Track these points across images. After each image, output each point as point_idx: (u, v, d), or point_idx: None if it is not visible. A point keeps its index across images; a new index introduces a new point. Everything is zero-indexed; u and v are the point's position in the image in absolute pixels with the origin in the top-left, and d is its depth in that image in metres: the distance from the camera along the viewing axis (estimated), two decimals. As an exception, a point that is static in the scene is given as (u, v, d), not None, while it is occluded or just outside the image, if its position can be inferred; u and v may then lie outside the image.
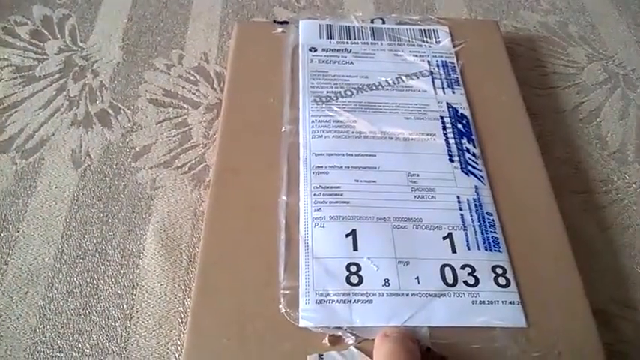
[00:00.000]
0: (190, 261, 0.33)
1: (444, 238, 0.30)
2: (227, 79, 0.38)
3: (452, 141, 0.34)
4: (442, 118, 0.36)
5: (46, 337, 0.30)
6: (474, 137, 0.35)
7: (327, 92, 0.37)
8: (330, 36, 0.40)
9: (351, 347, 0.26)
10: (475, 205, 0.31)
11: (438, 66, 0.39)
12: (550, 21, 0.49)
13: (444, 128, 0.35)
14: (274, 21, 0.42)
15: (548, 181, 0.33)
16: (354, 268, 0.28)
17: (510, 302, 0.28)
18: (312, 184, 0.32)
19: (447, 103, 0.36)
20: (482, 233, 0.30)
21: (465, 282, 0.28)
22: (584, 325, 0.28)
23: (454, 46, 0.40)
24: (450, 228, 0.30)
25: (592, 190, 0.37)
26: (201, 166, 0.37)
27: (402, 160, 0.33)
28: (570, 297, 0.29)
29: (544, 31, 0.48)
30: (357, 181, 0.32)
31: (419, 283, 0.28)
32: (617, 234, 0.35)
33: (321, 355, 0.26)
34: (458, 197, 0.32)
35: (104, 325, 0.30)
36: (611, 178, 0.38)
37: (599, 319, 0.28)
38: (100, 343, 0.30)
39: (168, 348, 0.30)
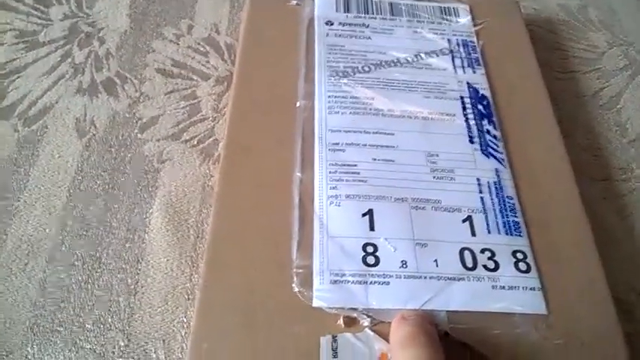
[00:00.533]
0: (198, 237, 0.32)
1: (464, 221, 0.29)
2: (239, 51, 0.37)
3: (472, 122, 0.33)
4: (462, 98, 0.34)
5: (46, 310, 0.29)
6: (494, 119, 0.34)
7: (344, 67, 0.35)
8: (347, 9, 0.39)
9: (367, 330, 0.25)
10: (496, 187, 0.30)
11: (458, 45, 0.37)
12: (570, 4, 0.47)
13: (464, 109, 0.34)
14: (289, -7, 0.40)
15: (569, 166, 0.32)
16: (370, 249, 0.27)
17: (531, 288, 0.27)
18: (328, 161, 0.31)
19: (468, 83, 0.35)
20: (502, 217, 0.29)
21: (485, 266, 0.27)
22: (605, 313, 0.27)
23: (474, 25, 0.39)
24: (470, 211, 0.29)
25: (612, 178, 0.36)
26: (211, 139, 0.36)
27: (421, 139, 0.32)
28: (591, 285, 0.28)
29: (564, 14, 0.46)
30: (375, 159, 0.31)
31: (437, 266, 0.27)
32: (637, 222, 0.34)
33: (334, 337, 0.25)
34: (478, 179, 0.30)
35: (107, 300, 0.29)
36: (630, 165, 0.37)
37: (618, 307, 0.27)
38: (102, 319, 0.29)
39: (174, 325, 0.29)
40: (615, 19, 0.46)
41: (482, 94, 0.35)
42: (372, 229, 0.28)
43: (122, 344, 0.28)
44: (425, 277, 0.27)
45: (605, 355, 0.26)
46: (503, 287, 0.27)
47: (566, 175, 0.32)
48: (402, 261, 0.27)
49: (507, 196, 0.30)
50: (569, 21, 0.46)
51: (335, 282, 0.26)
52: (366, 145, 0.31)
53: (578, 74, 0.42)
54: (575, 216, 0.30)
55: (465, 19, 0.39)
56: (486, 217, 0.29)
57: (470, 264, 0.27)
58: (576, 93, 0.41)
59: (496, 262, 0.27)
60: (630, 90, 0.41)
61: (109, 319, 0.29)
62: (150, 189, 0.33)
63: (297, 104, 0.33)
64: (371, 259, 0.27)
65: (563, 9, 0.47)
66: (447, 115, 0.33)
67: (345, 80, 0.34)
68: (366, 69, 0.35)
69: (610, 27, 0.46)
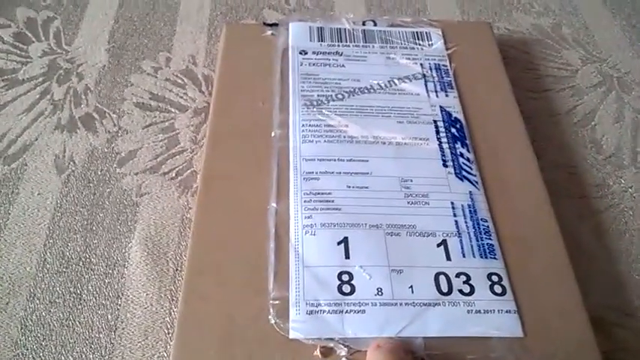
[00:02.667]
0: (177, 270, 0.32)
1: (438, 246, 0.29)
2: (215, 82, 0.37)
3: (445, 145, 0.34)
4: (435, 122, 0.35)
5: (27, 349, 0.29)
6: (467, 142, 0.34)
7: (318, 96, 0.36)
8: (321, 38, 0.40)
9: (343, 359, 0.25)
10: (470, 211, 0.31)
11: (430, 69, 0.38)
12: (543, 23, 0.48)
13: (438, 132, 0.34)
14: (264, 23, 0.41)
15: (543, 185, 0.32)
16: (345, 277, 0.28)
17: (507, 311, 0.27)
18: (303, 191, 0.31)
19: (441, 107, 0.36)
20: (477, 240, 0.29)
21: (460, 291, 0.27)
22: (582, 333, 0.27)
23: (447, 49, 0.40)
24: (445, 235, 0.29)
25: (587, 195, 0.36)
26: (189, 171, 0.36)
27: (395, 165, 0.32)
28: (567, 305, 0.28)
29: (537, 34, 0.47)
30: (349, 187, 0.31)
31: (413, 292, 0.27)
32: (614, 240, 0.34)
33: (312, 368, 0.25)
34: (452, 203, 0.31)
35: (88, 337, 0.29)
36: (606, 182, 0.37)
37: (595, 326, 0.27)
38: (84, 356, 0.29)
39: (154, 360, 0.29)
40: (589, 36, 0.47)
41: (456, 118, 0.35)
42: (347, 257, 0.28)
43: (103, 381, 0.28)
44: (400, 304, 0.27)
45: (583, 376, 0.26)
46: (479, 311, 0.27)
47: (541, 195, 0.32)
48: (377, 288, 0.27)
49: (482, 219, 0.30)
50: (543, 40, 0.47)
51: (311, 312, 0.26)
52: (340, 172, 0.32)
53: (551, 93, 0.42)
54: (550, 236, 0.31)
55: (437, 43, 0.40)
56: (461, 241, 0.29)
57: (445, 289, 0.27)
58: (550, 112, 0.41)
59: (471, 286, 0.28)
60: (604, 106, 0.42)
61: (90, 356, 0.29)
62: (129, 223, 0.34)
63: (273, 134, 0.34)
64: (346, 288, 0.27)
65: (536, 28, 0.48)
66: (421, 139, 0.34)
67: (319, 109, 0.35)
68: (340, 97, 0.36)
69: (583, 44, 0.47)
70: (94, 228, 0.33)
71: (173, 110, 0.39)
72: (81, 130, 0.38)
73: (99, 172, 0.36)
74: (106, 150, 0.37)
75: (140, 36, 0.45)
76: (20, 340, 0.29)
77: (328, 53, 0.39)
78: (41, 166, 0.36)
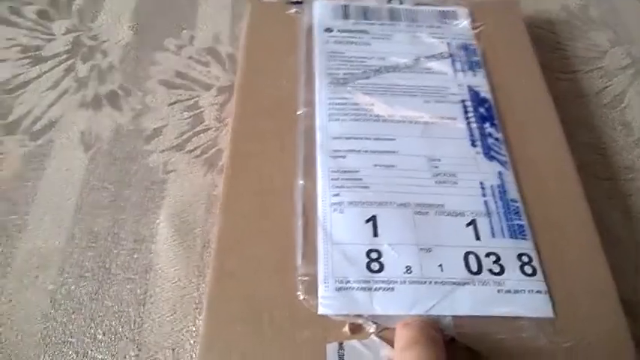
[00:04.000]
0: (204, 246, 0.32)
1: (468, 225, 0.29)
2: (240, 60, 0.37)
3: (473, 125, 0.33)
4: (463, 101, 0.34)
5: (57, 322, 0.29)
6: (496, 121, 0.34)
7: (344, 74, 0.35)
8: (346, 16, 0.39)
9: (372, 336, 0.25)
10: (499, 191, 0.30)
11: (457, 48, 0.38)
12: (571, 4, 0.47)
13: (465, 112, 0.34)
14: (288, 1, 0.40)
15: (574, 166, 0.32)
16: (374, 255, 0.27)
17: (537, 291, 0.27)
18: (330, 169, 0.31)
19: (468, 86, 0.35)
20: (506, 220, 0.29)
21: (490, 270, 0.27)
22: (613, 315, 0.27)
23: (474, 28, 0.39)
24: (474, 214, 0.29)
25: (617, 177, 0.36)
26: (214, 149, 0.36)
27: (422, 144, 0.32)
28: (598, 286, 0.28)
29: (565, 15, 0.46)
30: (376, 165, 0.31)
31: (442, 270, 0.27)
32: (643, 222, 0.34)
33: (341, 344, 0.25)
34: (481, 183, 0.31)
35: (117, 311, 0.30)
36: (636, 165, 0.37)
37: (623, 309, 0.27)
38: (113, 329, 0.29)
39: (182, 334, 0.29)
40: (617, 18, 0.46)
41: (484, 97, 0.35)
42: (375, 235, 0.28)
43: (133, 354, 0.28)
44: (430, 283, 0.27)
45: (613, 358, 0.26)
46: (509, 291, 0.27)
47: (571, 176, 0.32)
48: (406, 266, 0.27)
49: (511, 199, 0.30)
50: (570, 21, 0.46)
51: (340, 289, 0.26)
52: (367, 151, 0.31)
53: (580, 74, 0.42)
54: (580, 217, 0.30)
55: (464, 22, 0.39)
56: (490, 221, 0.29)
57: (475, 268, 0.27)
58: (579, 93, 0.40)
59: (501, 266, 0.27)
60: (634, 88, 0.41)
61: (120, 329, 0.29)
62: (156, 200, 0.34)
63: (299, 112, 0.33)
64: (375, 266, 0.27)
65: (564, 9, 0.47)
66: (448, 118, 0.33)
67: (345, 87, 0.35)
68: (366, 75, 0.35)
69: (612, 26, 0.46)
70: (121, 204, 0.33)
71: (197, 88, 0.39)
72: (106, 107, 0.38)
73: (125, 149, 0.36)
74: (131, 127, 0.37)
75: (163, 14, 0.44)
76: (50, 313, 0.29)
77: (354, 31, 0.38)
78: (67, 142, 0.36)
